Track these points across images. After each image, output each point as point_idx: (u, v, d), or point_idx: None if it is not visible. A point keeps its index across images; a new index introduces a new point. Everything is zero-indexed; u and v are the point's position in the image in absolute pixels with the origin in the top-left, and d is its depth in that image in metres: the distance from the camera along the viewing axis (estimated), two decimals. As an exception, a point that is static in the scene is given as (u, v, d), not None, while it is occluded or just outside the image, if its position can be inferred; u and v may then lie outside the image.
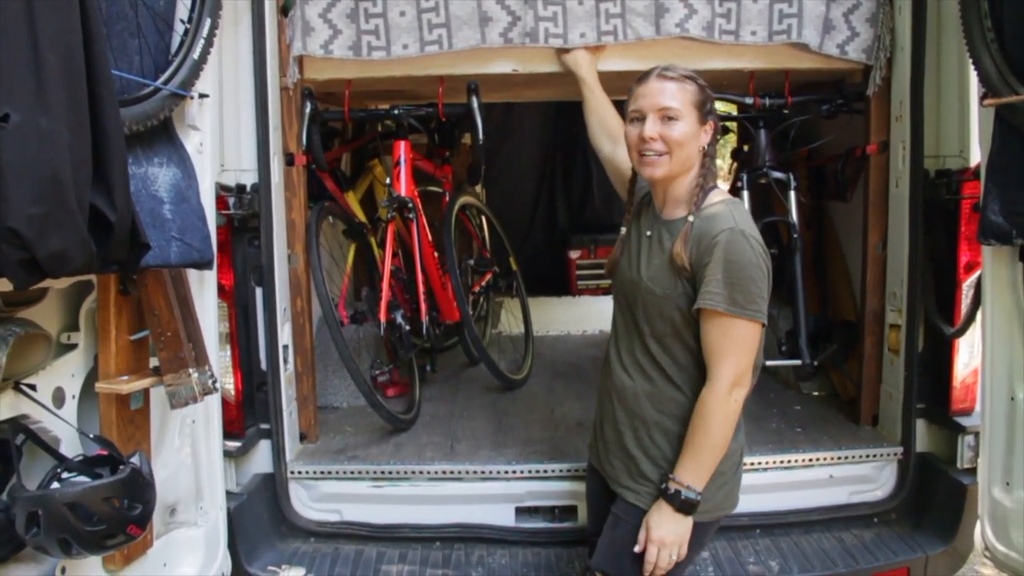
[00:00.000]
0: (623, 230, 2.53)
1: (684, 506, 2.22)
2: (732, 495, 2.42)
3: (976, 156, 2.99)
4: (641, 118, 2.28)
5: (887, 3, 3.28)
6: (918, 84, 3.19)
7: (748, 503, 3.20)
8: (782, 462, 3.31)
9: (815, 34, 3.30)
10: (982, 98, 2.62)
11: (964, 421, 3.18)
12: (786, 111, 3.74)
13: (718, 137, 2.39)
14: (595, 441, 2.61)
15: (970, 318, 3.04)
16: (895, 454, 3.35)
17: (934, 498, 3.25)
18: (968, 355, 3.19)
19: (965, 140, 3.10)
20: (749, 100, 3.68)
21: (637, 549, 2.27)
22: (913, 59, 3.19)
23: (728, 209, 2.25)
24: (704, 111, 2.28)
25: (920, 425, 3.32)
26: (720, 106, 3.96)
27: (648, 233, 2.39)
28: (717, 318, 2.17)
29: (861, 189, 3.68)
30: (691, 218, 2.26)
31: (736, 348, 2.19)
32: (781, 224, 3.97)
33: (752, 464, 3.25)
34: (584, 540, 2.95)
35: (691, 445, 2.23)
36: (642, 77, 2.32)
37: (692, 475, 2.22)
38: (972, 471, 3.09)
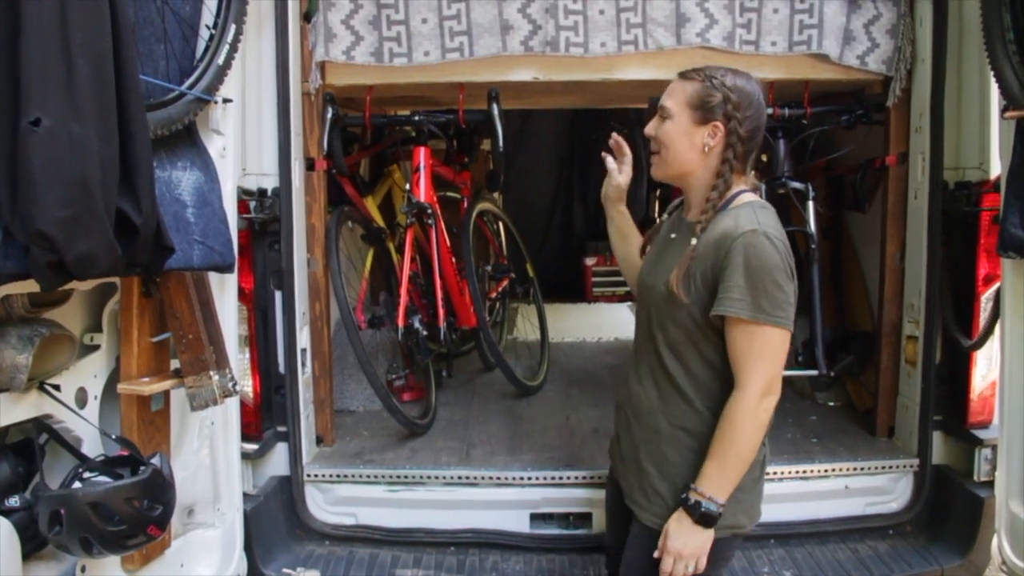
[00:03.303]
0: (661, 219, 2.49)
1: (704, 518, 2.11)
2: (754, 508, 2.32)
3: (996, 168, 2.98)
4: None
5: (907, 15, 3.28)
6: (938, 96, 3.19)
7: (763, 512, 3.22)
8: (798, 472, 3.30)
9: (835, 45, 3.31)
10: (1003, 110, 2.62)
11: (981, 434, 3.17)
12: (805, 121, 3.74)
13: (735, 140, 2.18)
14: (615, 453, 2.54)
15: (988, 330, 3.04)
16: (911, 466, 3.34)
17: (950, 511, 3.23)
18: (986, 367, 3.18)
19: (985, 152, 3.10)
20: (768, 110, 3.66)
21: (656, 554, 2.18)
22: (933, 71, 3.19)
23: (751, 210, 2.15)
24: (706, 110, 2.16)
25: (937, 437, 3.31)
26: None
27: (673, 235, 2.32)
28: (742, 326, 2.07)
29: (879, 200, 3.68)
30: (694, 240, 2.16)
31: (764, 355, 2.08)
32: (799, 234, 3.96)
33: (767, 474, 3.22)
34: (599, 547, 2.95)
35: (716, 454, 2.11)
36: None
37: (715, 486, 2.11)
38: (989, 484, 3.08)
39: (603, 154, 2.54)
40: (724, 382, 2.17)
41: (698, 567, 2.15)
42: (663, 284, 2.21)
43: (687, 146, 2.20)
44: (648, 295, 2.31)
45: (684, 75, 2.23)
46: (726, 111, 2.16)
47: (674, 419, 2.24)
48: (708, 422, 2.18)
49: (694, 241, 2.16)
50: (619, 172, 2.52)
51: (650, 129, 2.27)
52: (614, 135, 2.51)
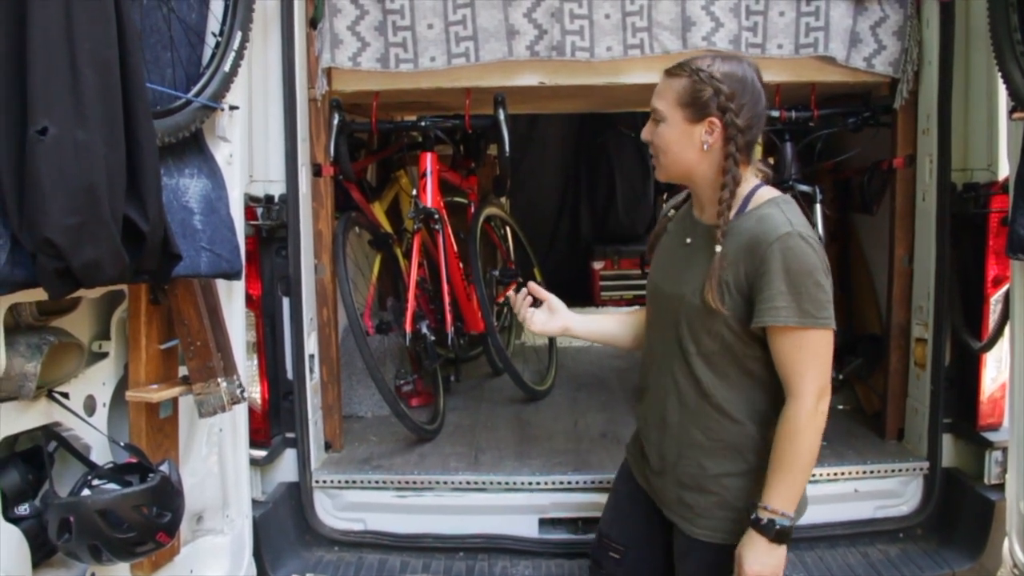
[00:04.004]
0: (671, 212, 2.38)
1: (780, 535, 2.03)
2: (802, 499, 2.15)
3: (1004, 170, 2.97)
4: None
5: (914, 16, 3.27)
6: (946, 97, 3.18)
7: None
8: (807, 476, 3.28)
9: (842, 47, 3.30)
10: (1011, 112, 2.61)
11: (992, 436, 3.15)
12: (812, 124, 3.73)
13: (734, 133, 2.07)
14: (642, 467, 2.40)
15: (998, 332, 3.02)
16: (921, 469, 3.32)
17: (961, 514, 3.22)
18: (996, 369, 3.16)
19: (993, 153, 3.09)
20: (775, 113, 3.66)
21: None
22: (941, 72, 3.18)
23: (779, 210, 2.06)
24: (699, 106, 2.05)
25: (946, 440, 3.29)
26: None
27: (688, 240, 2.21)
28: (790, 333, 1.99)
29: (887, 202, 3.67)
30: (718, 248, 2.05)
31: (815, 359, 2.01)
32: (807, 237, 3.94)
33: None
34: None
35: (780, 468, 2.03)
36: None
37: (784, 500, 2.03)
38: (1000, 487, 3.06)
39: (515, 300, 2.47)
40: (764, 391, 2.11)
41: None
42: (695, 296, 2.10)
43: (685, 147, 2.09)
44: (672, 305, 2.18)
45: (670, 72, 2.11)
46: (720, 103, 2.04)
47: (711, 432, 2.15)
48: (749, 433, 2.12)
49: (719, 248, 2.05)
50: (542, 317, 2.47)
51: (646, 134, 2.16)
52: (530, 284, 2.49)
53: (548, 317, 2.47)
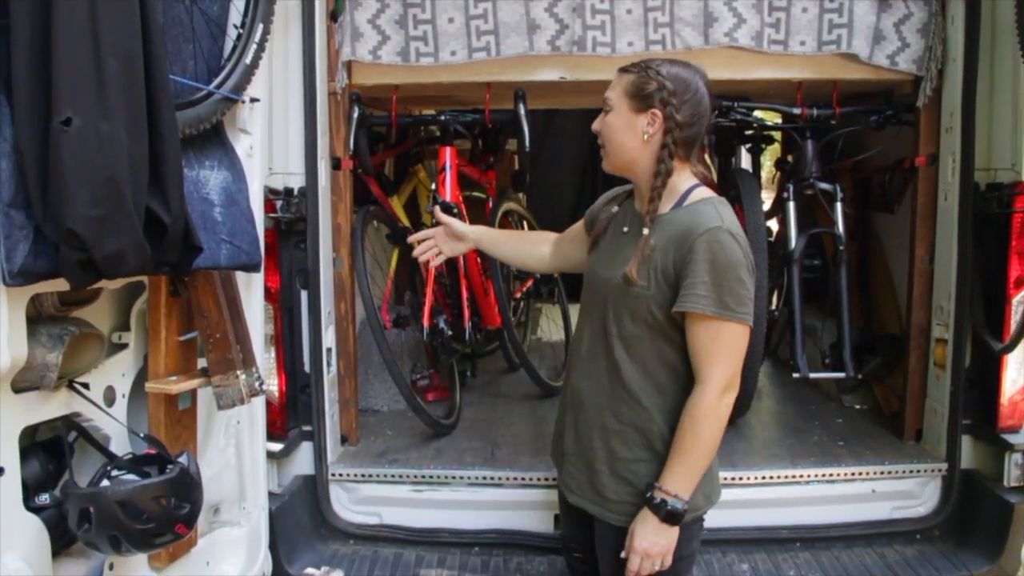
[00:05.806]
0: (614, 209, 2.41)
1: (670, 516, 2.10)
2: (711, 488, 2.28)
3: (1029, 170, 2.95)
4: None
5: (939, 13, 3.24)
6: (970, 96, 3.15)
7: (789, 516, 3.21)
8: (824, 475, 3.27)
9: (865, 44, 3.28)
10: (1037, 111, 2.59)
11: (1011, 438, 3.13)
12: (834, 122, 3.71)
13: (672, 126, 2.14)
14: (557, 452, 2.48)
15: (1020, 334, 2.99)
16: (939, 470, 3.30)
17: (979, 516, 3.19)
18: (1017, 371, 3.14)
19: (1017, 153, 3.06)
20: (797, 110, 3.65)
21: (623, 554, 2.17)
22: (965, 70, 3.15)
23: (712, 206, 2.15)
24: (642, 97, 2.15)
25: (965, 441, 3.27)
26: (764, 115, 3.97)
27: (625, 229, 2.29)
28: (705, 322, 2.07)
29: (908, 201, 3.64)
30: (646, 231, 2.15)
31: (726, 352, 2.09)
32: (826, 235, 3.93)
33: (794, 477, 3.24)
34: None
35: (680, 452, 2.10)
36: None
37: (680, 483, 2.10)
38: (1019, 489, 3.05)
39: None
40: (676, 379, 2.18)
41: (663, 564, 2.14)
42: (620, 276, 2.18)
43: (628, 136, 2.18)
44: (603, 288, 2.26)
45: (623, 69, 2.23)
46: (663, 98, 2.14)
47: (622, 416, 2.21)
48: (653, 419, 2.18)
49: (646, 231, 2.15)
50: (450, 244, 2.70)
51: (596, 125, 2.26)
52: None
53: (454, 245, 2.70)
